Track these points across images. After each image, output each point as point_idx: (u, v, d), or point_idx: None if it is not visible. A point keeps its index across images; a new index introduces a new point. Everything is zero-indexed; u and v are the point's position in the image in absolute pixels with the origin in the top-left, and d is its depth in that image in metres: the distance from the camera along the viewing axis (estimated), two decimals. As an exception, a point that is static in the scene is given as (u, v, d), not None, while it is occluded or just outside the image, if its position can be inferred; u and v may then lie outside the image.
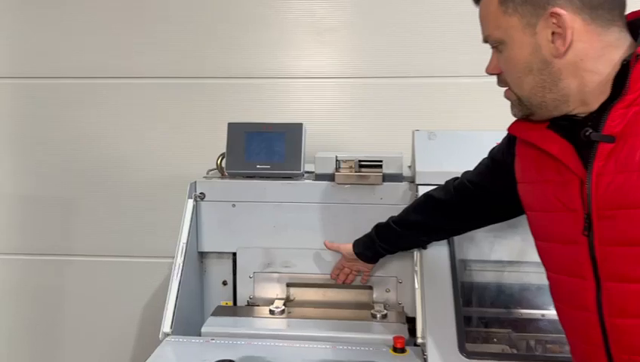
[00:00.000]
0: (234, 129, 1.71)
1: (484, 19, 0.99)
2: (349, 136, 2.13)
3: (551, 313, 1.58)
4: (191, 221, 1.63)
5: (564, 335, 1.55)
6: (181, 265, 1.55)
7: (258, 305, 1.69)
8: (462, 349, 1.31)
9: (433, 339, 1.34)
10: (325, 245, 1.61)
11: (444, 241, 1.50)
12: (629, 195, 0.85)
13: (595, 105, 0.92)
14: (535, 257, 1.63)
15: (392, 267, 1.66)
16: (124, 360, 2.34)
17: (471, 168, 1.38)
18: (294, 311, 1.63)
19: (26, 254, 2.32)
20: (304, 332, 1.49)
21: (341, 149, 2.02)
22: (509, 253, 1.66)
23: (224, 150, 1.73)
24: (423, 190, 1.55)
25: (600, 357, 0.93)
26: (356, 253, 1.54)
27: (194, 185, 1.68)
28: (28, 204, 2.29)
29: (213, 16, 2.14)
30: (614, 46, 0.89)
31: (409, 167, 1.78)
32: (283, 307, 1.62)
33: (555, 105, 0.94)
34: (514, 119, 1.06)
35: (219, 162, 1.76)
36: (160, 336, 1.44)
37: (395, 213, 1.50)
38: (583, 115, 0.94)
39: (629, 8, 0.94)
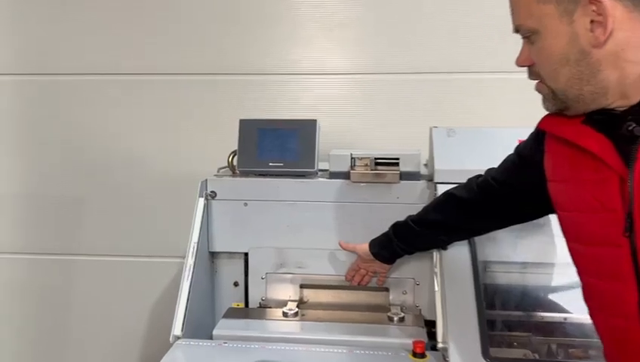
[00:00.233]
0: (246, 126, 1.66)
1: (515, 8, 0.93)
2: (362, 134, 2.08)
3: (573, 316, 1.53)
4: (202, 220, 1.59)
5: (586, 340, 1.53)
6: (192, 265, 1.50)
7: (270, 307, 1.65)
8: (485, 354, 1.25)
9: (455, 344, 1.28)
10: (340, 245, 1.56)
11: (465, 241, 1.44)
12: None
13: (635, 99, 0.86)
14: (556, 258, 1.61)
15: (409, 268, 1.61)
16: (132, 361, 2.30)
17: (492, 166, 1.32)
18: (308, 314, 1.59)
19: (32, 254, 2.29)
20: (319, 336, 1.44)
21: (354, 146, 1.97)
22: (529, 254, 1.61)
23: (235, 147, 1.69)
24: (442, 189, 1.50)
25: None
26: (373, 253, 1.49)
27: (205, 183, 1.63)
28: (35, 203, 2.26)
29: (224, 12, 2.09)
30: None
31: (425, 165, 1.73)
32: (296, 309, 1.57)
33: (592, 99, 0.89)
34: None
35: (230, 160, 1.72)
36: (170, 339, 1.39)
37: (413, 213, 1.45)
38: (622, 109, 0.88)
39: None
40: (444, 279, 1.40)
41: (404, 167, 1.60)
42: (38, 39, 2.16)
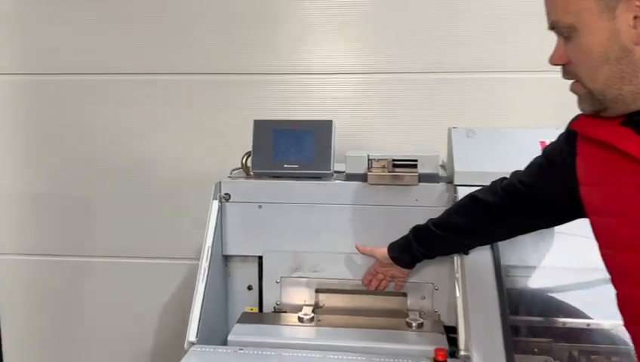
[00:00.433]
0: (261, 126, 1.62)
1: (551, 3, 0.89)
2: (377, 134, 2.04)
3: (596, 322, 1.49)
4: (216, 223, 1.55)
5: (610, 346, 1.49)
6: (207, 269, 1.47)
7: (285, 312, 1.61)
8: (510, 362, 1.22)
9: (479, 352, 1.24)
10: (357, 249, 1.53)
11: (487, 245, 1.41)
12: None
13: None
14: (579, 263, 1.57)
15: (427, 272, 1.57)
16: (142, 364, 2.28)
17: (513, 168, 1.29)
18: (324, 319, 1.55)
19: (42, 255, 2.26)
20: (336, 342, 1.40)
21: (368, 147, 1.93)
22: (549, 258, 1.57)
23: (247, 148, 1.65)
24: (462, 191, 1.47)
25: None
26: (392, 258, 1.45)
27: (219, 185, 1.60)
28: (46, 204, 2.22)
29: (235, 11, 2.05)
30: None
31: (441, 166, 1.69)
32: (312, 314, 1.54)
33: (633, 99, 0.85)
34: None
35: (244, 161, 1.68)
36: (185, 346, 1.36)
37: (432, 216, 1.42)
38: None
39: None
40: (466, 284, 1.36)
41: (422, 169, 1.56)
42: (48, 38, 2.13)
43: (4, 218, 2.26)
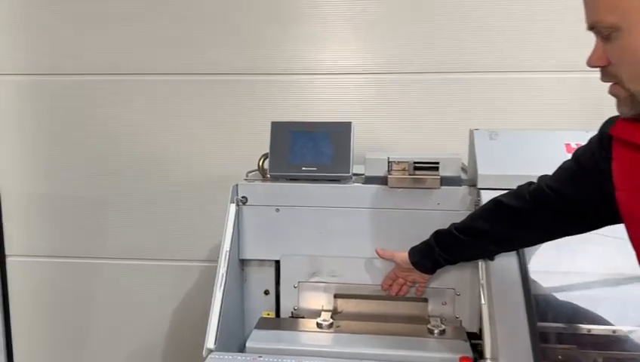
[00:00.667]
0: (278, 128, 1.59)
1: (592, 3, 0.85)
2: (395, 136, 2.00)
3: (622, 329, 1.46)
4: (233, 227, 1.52)
5: (636, 353, 1.45)
6: (224, 274, 1.44)
7: (303, 317, 1.58)
8: (539, 372, 1.18)
9: (506, 360, 1.21)
10: (377, 253, 1.49)
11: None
12: None
13: None
14: (606, 269, 1.54)
15: (449, 278, 1.53)
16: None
17: (538, 171, 1.25)
18: (343, 325, 1.52)
19: (53, 257, 2.24)
20: (357, 349, 1.37)
21: (386, 149, 1.91)
22: (574, 263, 1.54)
23: (264, 150, 1.62)
24: (485, 195, 1.43)
25: None
26: (413, 263, 1.42)
27: (236, 188, 1.57)
28: (56, 206, 2.21)
29: (252, 12, 2.02)
30: None
31: (462, 169, 1.66)
32: (331, 320, 1.51)
33: (679, 103, 0.82)
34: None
35: (261, 163, 1.65)
36: (204, 353, 1.33)
37: (454, 220, 1.38)
38: None
39: None
40: (492, 291, 1.32)
41: (443, 172, 1.52)
42: (62, 38, 2.11)
43: (14, 220, 2.25)
